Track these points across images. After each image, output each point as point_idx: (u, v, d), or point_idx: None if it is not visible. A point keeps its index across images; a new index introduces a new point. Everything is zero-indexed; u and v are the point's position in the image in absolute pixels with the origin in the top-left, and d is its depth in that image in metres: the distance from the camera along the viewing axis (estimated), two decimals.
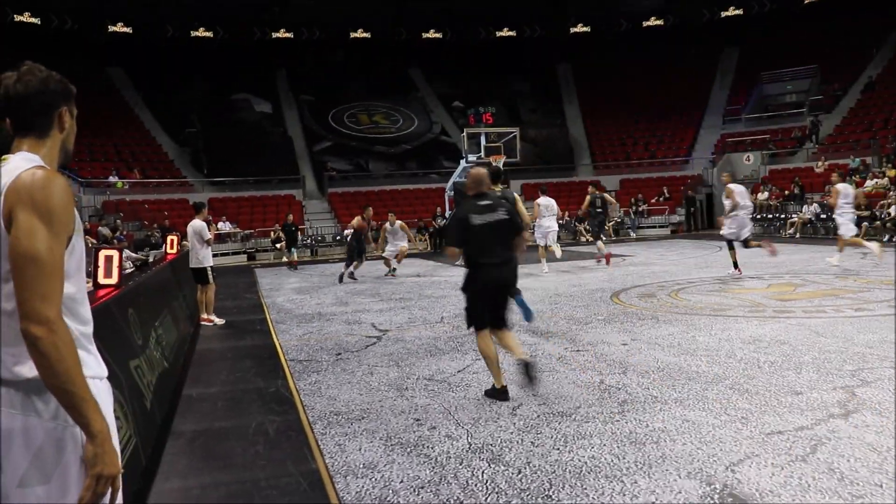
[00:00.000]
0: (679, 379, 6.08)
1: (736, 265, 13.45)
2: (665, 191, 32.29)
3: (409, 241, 18.16)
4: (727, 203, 13.46)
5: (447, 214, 27.18)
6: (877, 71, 33.99)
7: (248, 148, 33.11)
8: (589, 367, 6.72)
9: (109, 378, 2.13)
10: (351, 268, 16.51)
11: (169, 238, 12.31)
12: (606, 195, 18.61)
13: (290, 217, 23.64)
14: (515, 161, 27.52)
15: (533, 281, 14.33)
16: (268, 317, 11.43)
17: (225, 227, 27.58)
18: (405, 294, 13.47)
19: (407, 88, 40.87)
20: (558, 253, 16.96)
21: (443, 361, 7.31)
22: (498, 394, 5.77)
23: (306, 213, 30.89)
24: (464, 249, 5.81)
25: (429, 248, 27.65)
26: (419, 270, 18.30)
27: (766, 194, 28.60)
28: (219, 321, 10.94)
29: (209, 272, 11.03)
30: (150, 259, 17.16)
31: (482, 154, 25.71)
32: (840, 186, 14.49)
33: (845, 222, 14.17)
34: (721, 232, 13.75)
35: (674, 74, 39.36)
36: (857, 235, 15.11)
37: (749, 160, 32.37)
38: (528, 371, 5.64)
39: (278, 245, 26.06)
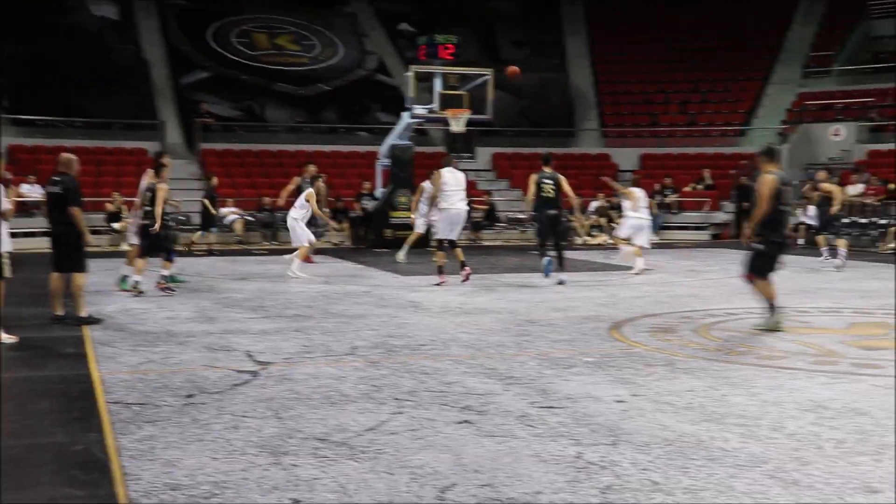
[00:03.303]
0: (695, 458, 6.11)
1: (441, 271, 16.12)
2: (707, 175, 32.50)
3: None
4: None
5: (378, 193, 26.73)
6: None
7: (77, 73, 32.57)
8: (563, 432, 6.73)
9: None
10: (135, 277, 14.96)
11: None
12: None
13: (215, 180, 24.12)
14: (486, 119, 27.00)
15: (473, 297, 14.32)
16: (86, 335, 11.27)
17: (33, 191, 26.99)
18: (303, 309, 13.42)
19: None
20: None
21: (346, 414, 7.29)
22: (57, 318, 11.95)
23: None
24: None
25: (348, 242, 27.18)
26: (328, 273, 18.19)
27: (860, 187, 28.41)
28: (7, 338, 10.74)
29: (4, 262, 10.82)
30: None
31: (435, 105, 25.27)
32: None
33: None
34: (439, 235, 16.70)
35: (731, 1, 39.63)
36: None
37: (839, 135, 32.47)
38: (80, 322, 11.76)
39: (116, 225, 25.60)
